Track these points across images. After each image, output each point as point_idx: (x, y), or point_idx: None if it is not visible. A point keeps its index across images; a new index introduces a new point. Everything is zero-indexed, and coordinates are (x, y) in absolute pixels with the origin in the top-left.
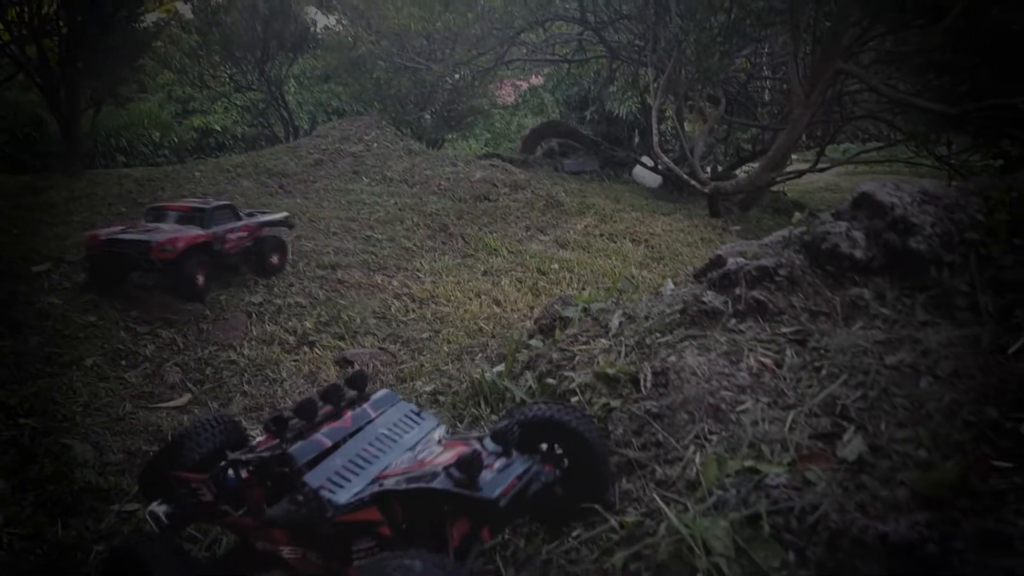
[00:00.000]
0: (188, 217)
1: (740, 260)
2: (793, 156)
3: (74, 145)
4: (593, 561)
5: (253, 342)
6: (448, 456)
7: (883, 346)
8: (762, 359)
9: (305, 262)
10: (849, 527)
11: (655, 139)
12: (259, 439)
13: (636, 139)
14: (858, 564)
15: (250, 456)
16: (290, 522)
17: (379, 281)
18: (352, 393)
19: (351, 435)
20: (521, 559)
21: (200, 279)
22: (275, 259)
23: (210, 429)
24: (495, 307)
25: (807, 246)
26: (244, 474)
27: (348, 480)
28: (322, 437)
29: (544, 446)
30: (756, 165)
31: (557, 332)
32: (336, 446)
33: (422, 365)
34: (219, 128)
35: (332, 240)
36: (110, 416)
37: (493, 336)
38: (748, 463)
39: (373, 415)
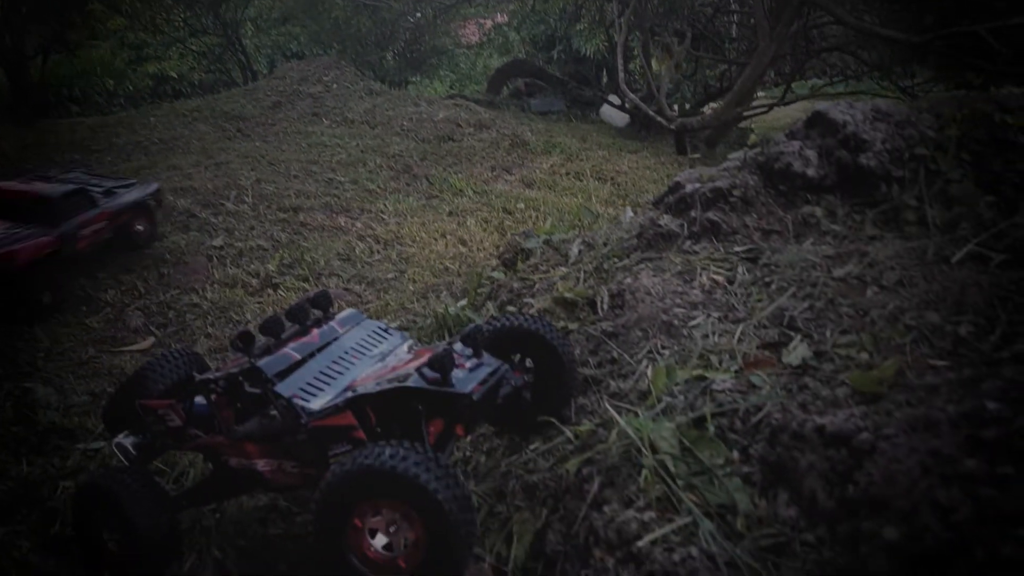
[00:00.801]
0: (28, 209)
1: (697, 184)
2: (761, 93)
3: (23, 94)
4: (549, 469)
5: (215, 285)
6: (419, 361)
7: (832, 260)
8: (715, 277)
9: (266, 205)
10: (789, 423)
11: (621, 76)
12: (224, 363)
13: (604, 78)
14: (796, 456)
15: (218, 375)
16: (264, 434)
17: (342, 223)
18: (318, 313)
19: (319, 350)
20: (482, 472)
21: (47, 298)
22: (141, 227)
23: (172, 361)
24: (460, 247)
25: (761, 167)
26: (213, 395)
27: (320, 390)
28: (290, 351)
29: (516, 358)
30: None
31: (519, 263)
32: (305, 360)
33: (387, 304)
34: (175, 75)
35: (293, 183)
36: (73, 360)
37: (459, 275)
38: (697, 372)
39: (340, 331)
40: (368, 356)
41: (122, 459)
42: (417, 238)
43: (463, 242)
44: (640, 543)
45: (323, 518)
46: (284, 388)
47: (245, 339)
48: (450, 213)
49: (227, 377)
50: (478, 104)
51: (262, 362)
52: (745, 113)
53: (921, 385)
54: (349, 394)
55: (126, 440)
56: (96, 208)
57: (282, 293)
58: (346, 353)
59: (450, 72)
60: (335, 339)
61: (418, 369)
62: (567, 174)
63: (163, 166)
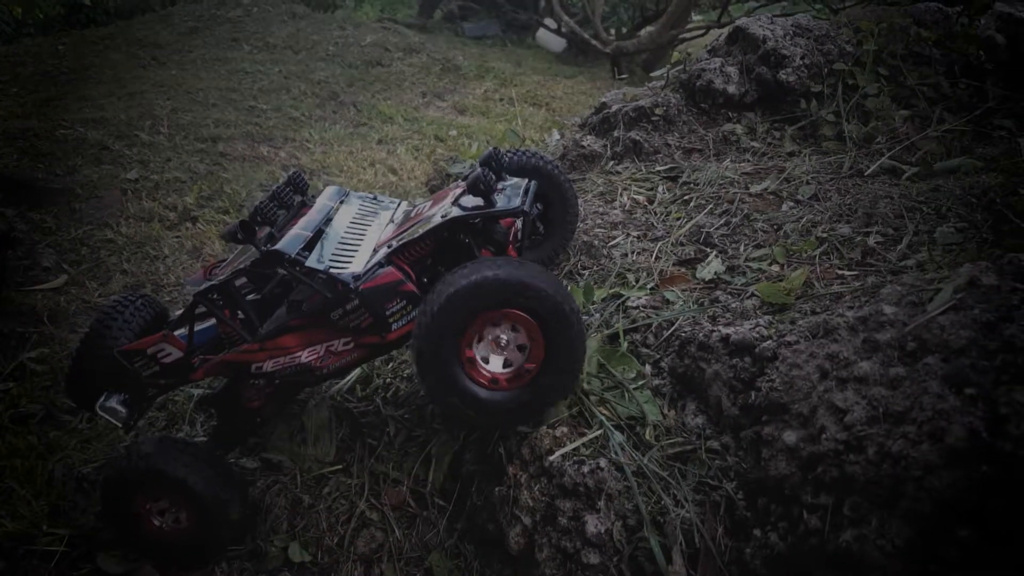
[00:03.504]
0: None
1: (620, 104)
2: (699, 16)
3: None
4: None
5: (131, 220)
6: (441, 204)
7: (750, 177)
8: (635, 196)
9: (183, 135)
10: (697, 335)
11: None
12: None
13: (541, 2)
14: (703, 366)
15: (224, 277)
16: (310, 315)
17: (265, 153)
18: (298, 198)
19: (325, 224)
20: (401, 398)
21: None
22: None
23: (130, 305)
24: (391, 175)
25: (684, 85)
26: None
27: (348, 258)
28: (299, 230)
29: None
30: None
31: None
32: (316, 236)
33: None
34: (88, 2)
35: (212, 112)
36: None
37: None
38: (614, 290)
39: (333, 205)
40: (377, 221)
41: (114, 422)
42: (345, 167)
43: (393, 171)
44: (551, 457)
45: (433, 341)
46: (312, 264)
47: (247, 229)
48: (379, 141)
49: (237, 273)
50: (408, 28)
51: (278, 245)
52: (681, 36)
53: (827, 294)
54: (385, 250)
55: (111, 401)
56: None
57: (201, 226)
58: (353, 222)
59: None
60: (334, 211)
61: (454, 203)
62: (501, 100)
63: (72, 97)
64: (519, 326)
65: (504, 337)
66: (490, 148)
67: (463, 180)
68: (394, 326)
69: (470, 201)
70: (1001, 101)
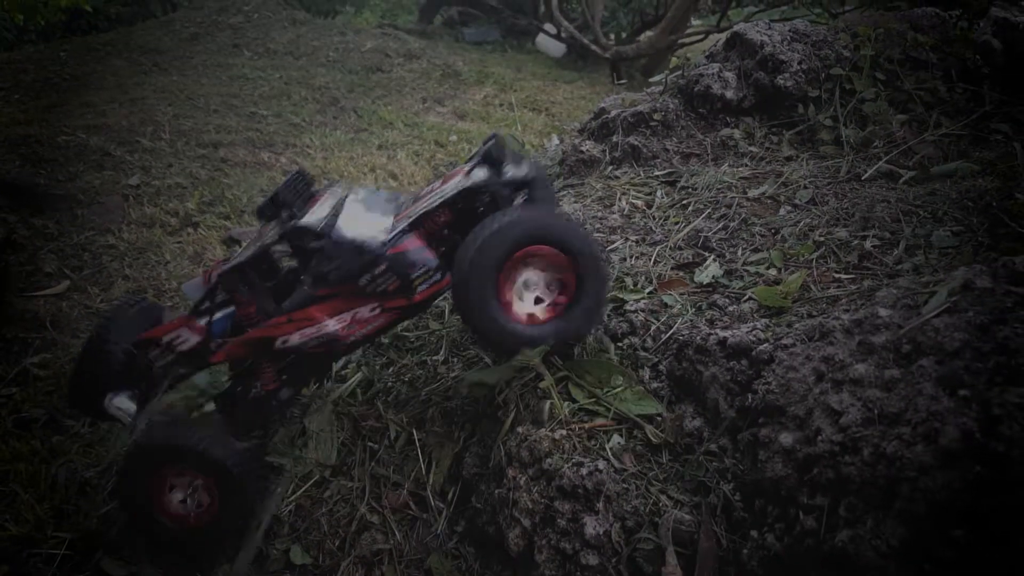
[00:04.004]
0: None
1: (619, 109)
2: (698, 21)
3: None
4: (467, 395)
5: (132, 225)
6: (455, 179)
7: (748, 181)
8: (634, 201)
9: (184, 141)
10: (694, 338)
11: (555, 4)
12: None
13: (541, 7)
14: (700, 369)
15: (242, 259)
16: (339, 280)
17: (265, 158)
18: (308, 189)
19: (340, 206)
20: (403, 401)
21: None
22: None
23: (131, 309)
24: (391, 181)
25: (682, 90)
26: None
27: (369, 232)
28: (318, 209)
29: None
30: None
31: None
32: (335, 216)
33: None
34: (90, 8)
35: (213, 118)
36: None
37: None
38: (612, 294)
39: (343, 193)
40: (388, 205)
41: (123, 420)
42: (345, 173)
43: (393, 176)
44: (550, 460)
45: (472, 282)
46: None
47: (276, 203)
48: (379, 147)
49: (264, 249)
50: (409, 34)
51: (303, 220)
52: (680, 40)
53: (823, 297)
54: (407, 220)
55: (119, 400)
56: None
57: (203, 232)
58: (365, 205)
59: (380, 1)
60: (345, 199)
61: (467, 173)
62: (500, 105)
63: (74, 103)
64: (550, 265)
65: (534, 277)
66: (492, 132)
67: (470, 160)
68: (419, 288)
69: (480, 174)
70: (998, 105)
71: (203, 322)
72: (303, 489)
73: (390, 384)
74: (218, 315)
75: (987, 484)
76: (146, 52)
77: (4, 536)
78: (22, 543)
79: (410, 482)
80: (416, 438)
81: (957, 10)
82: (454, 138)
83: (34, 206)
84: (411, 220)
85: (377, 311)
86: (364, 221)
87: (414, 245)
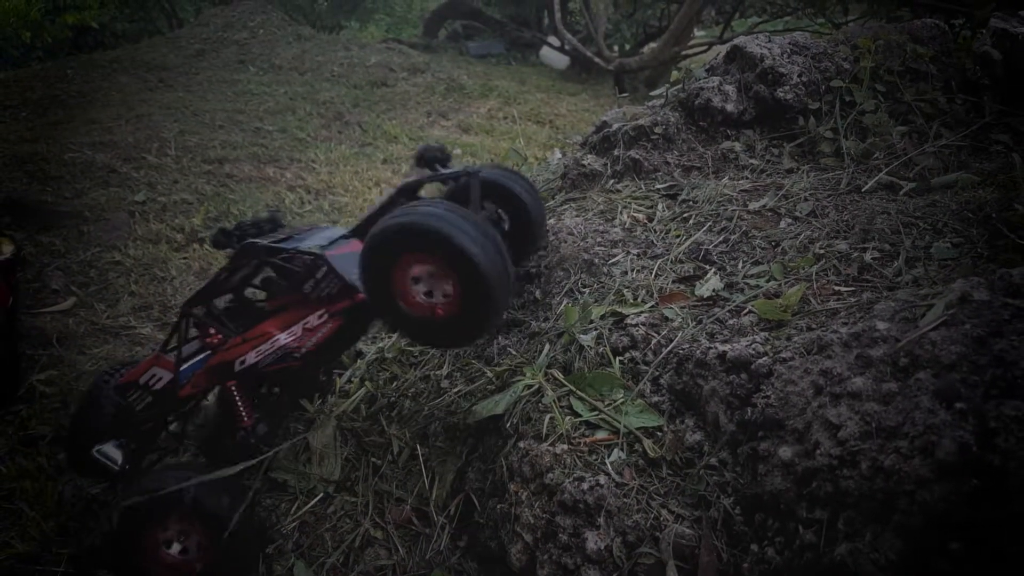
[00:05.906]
0: None
1: (621, 122)
2: (701, 32)
3: None
4: (467, 411)
5: (138, 242)
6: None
7: (748, 194)
8: (635, 214)
9: (190, 157)
10: (694, 352)
11: (558, 17)
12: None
13: (545, 20)
14: (700, 383)
15: (201, 287)
16: (287, 292)
17: (271, 174)
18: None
19: (296, 236)
20: (406, 416)
21: None
22: None
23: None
24: None
25: (683, 103)
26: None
27: (313, 241)
28: (270, 237)
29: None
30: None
31: None
32: (286, 240)
33: None
34: (96, 25)
35: (218, 133)
36: None
37: None
38: (612, 307)
39: (308, 230)
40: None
41: (109, 467)
42: (350, 187)
43: None
44: (551, 475)
45: (372, 270)
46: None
47: (225, 233)
48: (384, 161)
49: (224, 270)
50: (413, 48)
51: (250, 241)
52: (683, 52)
53: (823, 311)
54: (346, 229)
55: (106, 447)
56: None
57: (208, 248)
58: (323, 235)
59: (385, 16)
60: (307, 235)
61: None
62: (505, 118)
63: (81, 120)
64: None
65: (421, 274)
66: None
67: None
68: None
69: (413, 175)
70: (998, 116)
71: (171, 357)
72: (308, 505)
73: (393, 399)
74: (196, 359)
75: (984, 497)
76: (152, 68)
77: (10, 553)
78: (28, 560)
79: (413, 497)
80: (419, 453)
81: (961, 17)
82: (458, 151)
83: (41, 223)
84: (352, 228)
85: (325, 317)
86: (314, 236)
87: (354, 248)
